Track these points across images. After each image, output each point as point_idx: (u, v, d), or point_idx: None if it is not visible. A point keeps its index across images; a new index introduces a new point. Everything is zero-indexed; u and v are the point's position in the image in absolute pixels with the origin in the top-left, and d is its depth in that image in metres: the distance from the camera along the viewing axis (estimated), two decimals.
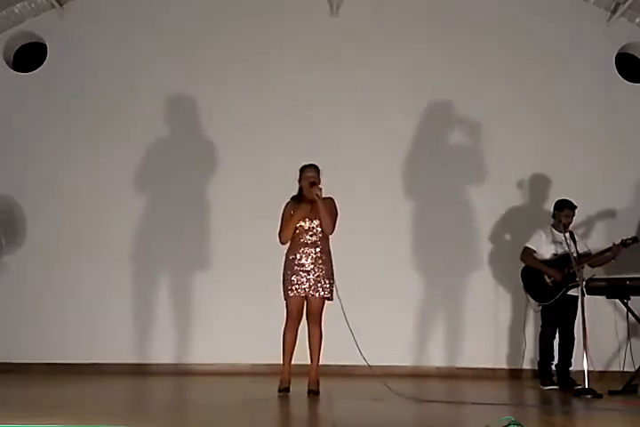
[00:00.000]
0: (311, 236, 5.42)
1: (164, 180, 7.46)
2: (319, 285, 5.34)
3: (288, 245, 5.47)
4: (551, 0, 7.76)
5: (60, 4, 7.64)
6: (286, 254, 5.46)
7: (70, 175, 7.41)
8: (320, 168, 5.47)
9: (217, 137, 7.44)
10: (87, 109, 7.53)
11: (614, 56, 7.69)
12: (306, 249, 5.39)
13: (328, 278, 5.38)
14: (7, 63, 7.74)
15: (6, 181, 7.37)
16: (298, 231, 5.43)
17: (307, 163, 5.50)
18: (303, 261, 5.38)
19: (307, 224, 5.43)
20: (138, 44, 7.61)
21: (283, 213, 5.46)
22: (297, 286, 5.34)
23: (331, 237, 5.46)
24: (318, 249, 5.40)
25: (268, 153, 7.29)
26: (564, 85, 7.58)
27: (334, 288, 5.35)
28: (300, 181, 5.49)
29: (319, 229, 5.42)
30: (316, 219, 5.41)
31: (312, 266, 5.36)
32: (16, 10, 7.58)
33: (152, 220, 7.36)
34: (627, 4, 7.44)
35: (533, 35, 7.64)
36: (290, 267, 5.39)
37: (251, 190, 7.22)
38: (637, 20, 7.67)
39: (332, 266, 5.42)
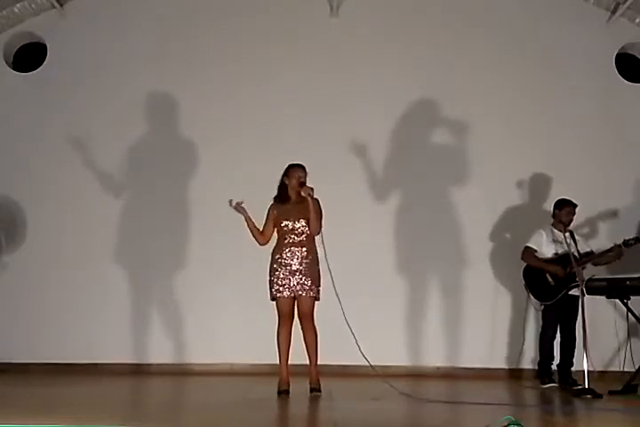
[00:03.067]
0: (297, 236, 5.42)
1: (163, 180, 7.44)
2: (307, 284, 5.34)
3: (274, 244, 5.47)
4: (551, 0, 7.76)
5: (60, 4, 7.63)
6: (272, 254, 5.46)
7: (70, 175, 7.40)
8: (307, 169, 5.45)
9: (217, 138, 7.41)
10: (87, 110, 7.52)
11: (614, 56, 7.68)
12: (292, 249, 5.39)
13: (315, 278, 5.37)
14: (7, 63, 7.73)
15: (6, 181, 7.37)
16: (284, 231, 5.43)
17: (293, 162, 5.49)
18: (289, 261, 5.38)
19: (292, 224, 5.42)
20: (138, 44, 7.59)
21: (267, 214, 5.50)
22: (284, 286, 5.34)
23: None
24: (304, 249, 5.39)
25: (270, 153, 7.27)
26: (564, 85, 7.57)
27: (334, 288, 5.30)
28: (285, 180, 5.47)
29: (305, 229, 5.41)
30: (301, 219, 5.40)
31: (299, 266, 5.36)
32: (16, 10, 7.57)
33: (151, 220, 7.35)
34: (627, 4, 7.44)
35: (533, 35, 7.63)
36: (276, 267, 5.39)
37: (255, 191, 7.17)
38: (637, 20, 7.67)
39: (318, 265, 5.40)
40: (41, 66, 7.68)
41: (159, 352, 7.12)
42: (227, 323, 7.07)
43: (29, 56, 7.79)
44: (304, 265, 5.36)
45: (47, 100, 7.57)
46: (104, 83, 7.56)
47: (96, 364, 7.02)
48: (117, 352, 7.04)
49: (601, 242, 6.70)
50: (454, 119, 7.44)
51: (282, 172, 5.55)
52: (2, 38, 7.68)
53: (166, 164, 7.49)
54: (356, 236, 7.06)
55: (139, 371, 6.98)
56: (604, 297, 6.48)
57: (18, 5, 7.54)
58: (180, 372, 6.98)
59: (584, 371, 5.48)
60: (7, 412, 4.12)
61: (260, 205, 5.52)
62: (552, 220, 6.44)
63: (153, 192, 7.43)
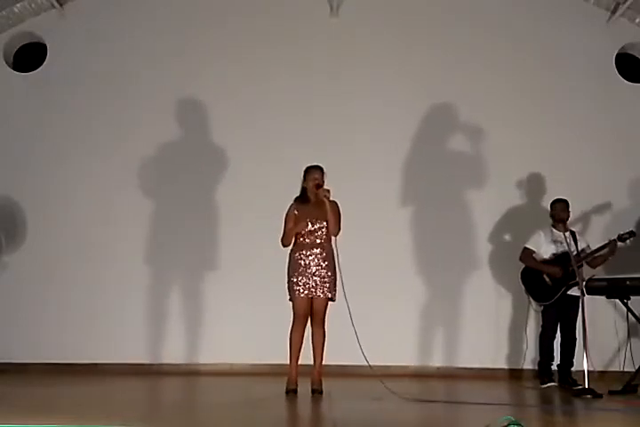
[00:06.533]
0: (316, 237, 5.43)
1: (165, 181, 7.45)
2: (324, 285, 5.36)
3: (292, 245, 5.49)
4: (551, 0, 7.76)
5: (60, 4, 7.63)
6: (290, 255, 5.48)
7: (70, 175, 7.41)
8: (325, 170, 5.48)
9: (217, 138, 7.43)
10: (87, 110, 7.53)
11: (614, 56, 7.68)
12: (311, 250, 5.41)
13: (332, 279, 5.40)
14: (7, 63, 7.73)
15: (6, 181, 7.37)
16: (303, 233, 5.44)
17: (311, 164, 5.51)
18: (308, 262, 5.39)
19: (312, 226, 5.43)
20: (138, 44, 7.60)
21: (286, 215, 5.49)
22: (302, 287, 5.36)
23: (333, 237, 5.46)
24: (323, 250, 5.41)
25: (269, 154, 7.29)
26: (564, 85, 7.57)
27: (343, 289, 5.31)
28: (303, 182, 5.50)
29: (324, 231, 5.43)
30: (320, 220, 5.42)
31: (317, 267, 5.38)
32: (16, 10, 7.58)
33: (152, 220, 7.35)
34: (627, 4, 7.44)
35: (533, 35, 7.63)
36: (295, 268, 5.41)
37: (257, 192, 7.19)
38: (637, 20, 7.67)
39: (335, 267, 5.42)
40: (41, 66, 7.68)
41: (159, 353, 7.12)
42: (227, 323, 7.06)
43: (29, 56, 7.79)
44: (323, 266, 5.38)
45: (47, 100, 7.57)
46: (104, 83, 7.56)
47: (96, 364, 7.02)
48: (117, 352, 7.04)
49: (599, 242, 6.68)
50: (454, 119, 7.44)
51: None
52: (2, 38, 7.69)
53: (167, 164, 7.48)
54: (358, 238, 7.05)
55: (139, 371, 6.97)
56: (604, 297, 6.49)
57: (18, 5, 7.54)
58: (180, 372, 6.98)
59: (584, 371, 5.48)
60: (7, 412, 4.12)
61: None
62: (552, 221, 6.45)
63: (156, 193, 7.41)
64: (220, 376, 6.82)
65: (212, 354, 7.03)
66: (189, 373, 6.98)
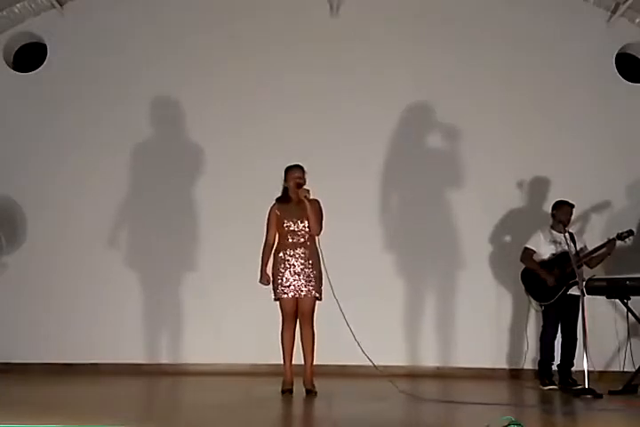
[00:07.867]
0: (300, 237, 5.43)
1: (166, 181, 7.44)
2: (310, 285, 5.36)
3: (276, 245, 5.49)
4: (551, 0, 7.76)
5: (60, 4, 7.63)
6: (275, 255, 5.48)
7: (70, 175, 7.41)
8: (305, 169, 5.48)
9: (218, 137, 7.42)
10: (87, 110, 7.52)
11: (614, 56, 7.68)
12: (295, 250, 5.42)
13: (318, 278, 5.39)
14: (7, 63, 7.73)
15: (6, 181, 7.37)
16: (287, 232, 5.45)
17: (291, 164, 5.51)
18: (293, 261, 5.40)
19: (295, 226, 5.44)
20: (138, 44, 7.59)
21: (268, 219, 5.51)
22: (288, 287, 5.36)
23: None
24: (307, 250, 5.42)
25: (270, 153, 7.27)
26: (564, 85, 7.57)
27: (331, 289, 5.31)
28: (285, 181, 5.50)
29: (307, 230, 5.43)
30: (303, 220, 5.42)
31: (302, 267, 5.38)
32: (16, 10, 7.58)
33: (152, 220, 7.36)
34: (627, 4, 7.44)
35: (533, 35, 7.63)
36: (280, 268, 5.41)
37: (247, 190, 7.17)
38: (637, 20, 7.66)
39: (320, 266, 5.41)
40: (41, 66, 7.68)
41: (159, 353, 7.13)
42: (226, 323, 7.06)
43: (29, 56, 7.79)
44: (307, 266, 5.39)
45: (47, 100, 7.57)
46: (104, 82, 7.56)
47: (97, 364, 7.03)
48: (117, 352, 7.04)
49: (598, 242, 6.68)
50: (454, 120, 7.43)
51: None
52: (2, 38, 7.69)
53: (167, 164, 7.49)
54: (356, 237, 7.05)
55: (139, 371, 6.97)
56: (604, 297, 6.49)
57: (18, 5, 7.55)
58: (180, 372, 6.98)
59: (584, 371, 5.48)
60: (8, 412, 4.12)
61: (265, 205, 5.54)
62: (551, 221, 6.44)
63: (155, 193, 7.42)
64: (220, 376, 6.82)
65: (211, 354, 7.02)
66: (189, 373, 6.97)
